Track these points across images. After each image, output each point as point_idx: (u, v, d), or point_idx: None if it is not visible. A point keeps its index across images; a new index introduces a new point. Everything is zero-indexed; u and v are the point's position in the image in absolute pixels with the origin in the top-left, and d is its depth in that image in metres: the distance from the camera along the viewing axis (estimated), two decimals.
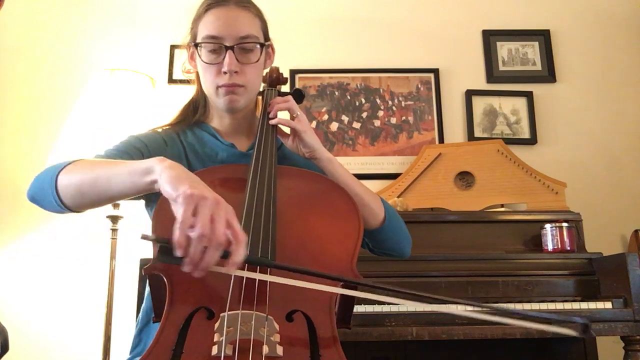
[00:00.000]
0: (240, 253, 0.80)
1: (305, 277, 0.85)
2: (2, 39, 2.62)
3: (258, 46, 1.19)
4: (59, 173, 1.01)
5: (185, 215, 0.78)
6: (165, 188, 0.84)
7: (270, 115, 1.22)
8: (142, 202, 1.28)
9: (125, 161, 1.00)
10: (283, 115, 1.23)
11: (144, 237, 0.80)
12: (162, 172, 0.87)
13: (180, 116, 1.31)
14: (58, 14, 2.69)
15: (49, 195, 1.01)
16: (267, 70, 1.34)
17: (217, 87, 1.18)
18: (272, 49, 1.30)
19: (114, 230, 2.22)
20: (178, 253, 0.77)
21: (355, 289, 0.95)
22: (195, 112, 1.30)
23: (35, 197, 1.06)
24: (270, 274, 0.87)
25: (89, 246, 2.40)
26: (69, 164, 1.03)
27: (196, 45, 1.20)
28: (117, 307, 2.15)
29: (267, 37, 1.26)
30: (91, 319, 2.31)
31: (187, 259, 0.78)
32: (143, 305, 1.20)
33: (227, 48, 1.15)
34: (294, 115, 1.20)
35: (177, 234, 0.77)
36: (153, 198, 1.22)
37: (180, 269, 0.79)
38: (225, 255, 0.80)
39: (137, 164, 0.94)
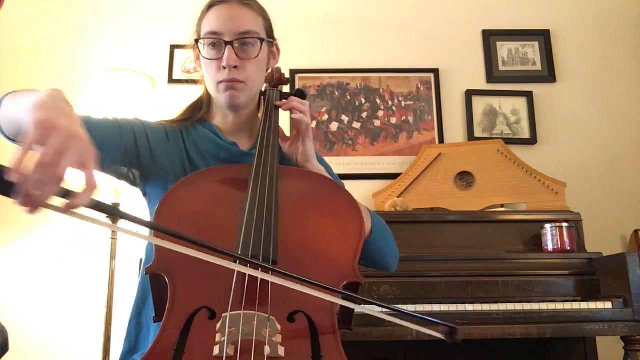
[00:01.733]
0: (82, 197, 0.71)
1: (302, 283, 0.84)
2: (2, 39, 2.62)
3: (258, 42, 1.19)
4: (2, 99, 0.99)
5: (30, 140, 0.69)
6: (28, 112, 0.74)
7: (283, 108, 1.22)
8: (143, 202, 1.28)
9: (36, 93, 0.87)
10: (285, 116, 1.23)
11: None
12: (40, 95, 0.78)
13: (185, 114, 1.31)
14: (58, 14, 2.69)
15: None
16: (269, 70, 1.34)
17: (218, 83, 1.19)
18: (277, 49, 1.30)
19: (114, 231, 2.22)
20: (12, 177, 0.67)
21: (356, 291, 0.95)
22: (200, 110, 1.30)
23: None
24: (271, 275, 0.87)
25: (89, 246, 2.39)
26: (12, 92, 0.99)
27: (197, 41, 1.20)
28: (117, 307, 2.15)
29: (271, 36, 1.26)
30: (91, 319, 2.31)
31: (20, 186, 0.67)
32: (135, 298, 1.21)
33: (226, 43, 1.16)
34: (307, 120, 1.21)
35: (15, 156, 0.68)
36: (151, 186, 1.22)
37: (13, 200, 0.69)
38: (66, 196, 0.71)
39: (39, 91, 0.83)
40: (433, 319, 0.90)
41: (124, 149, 1.16)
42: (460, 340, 0.91)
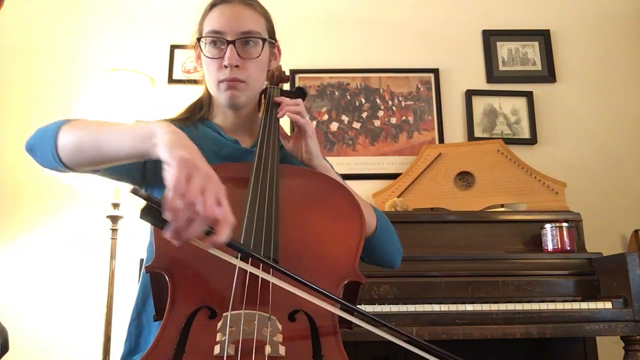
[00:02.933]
0: (224, 232, 0.78)
1: (303, 287, 0.84)
2: (2, 39, 2.62)
3: (260, 42, 1.19)
4: (62, 125, 1.01)
5: (178, 178, 0.77)
6: (163, 151, 0.83)
7: (279, 116, 1.22)
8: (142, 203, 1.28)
9: (129, 124, 0.99)
10: (285, 118, 1.23)
11: (134, 192, 0.77)
12: (163, 135, 0.86)
13: (185, 113, 1.31)
14: (58, 14, 2.69)
15: (48, 148, 1.01)
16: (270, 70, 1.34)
17: (219, 82, 1.19)
18: (279, 50, 1.30)
19: (114, 230, 2.22)
20: (167, 215, 0.75)
21: (356, 296, 0.95)
22: (200, 110, 1.30)
23: (33, 148, 1.05)
24: (272, 274, 0.86)
25: (89, 246, 2.39)
26: (74, 120, 1.02)
27: (199, 40, 1.20)
28: (117, 307, 2.15)
29: (272, 37, 1.26)
30: (91, 319, 2.31)
31: (173, 224, 0.76)
32: (135, 298, 1.20)
33: (228, 42, 1.16)
34: (304, 119, 1.20)
35: (170, 195, 0.75)
36: (153, 186, 1.22)
37: (162, 233, 0.77)
38: (208, 232, 0.78)
39: (140, 127, 0.93)
40: (421, 341, 0.91)
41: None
42: None
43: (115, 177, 1.19)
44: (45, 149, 1.02)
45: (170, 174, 0.79)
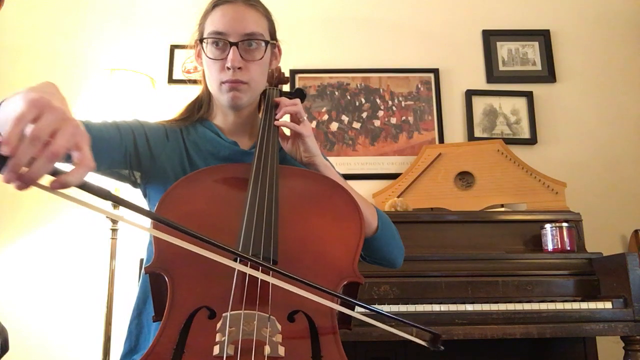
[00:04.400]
0: (76, 175, 0.68)
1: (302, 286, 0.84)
2: (2, 39, 2.62)
3: (263, 44, 1.19)
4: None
5: (22, 113, 0.66)
6: (19, 101, 0.71)
7: (277, 117, 1.22)
8: (143, 202, 1.28)
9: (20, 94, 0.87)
10: (286, 117, 1.23)
11: None
12: (26, 90, 0.76)
13: (184, 113, 1.31)
14: (58, 14, 2.69)
15: None
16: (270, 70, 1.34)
17: (221, 83, 1.18)
18: (279, 50, 1.30)
19: (114, 230, 2.22)
20: (3, 150, 0.64)
21: (356, 297, 0.95)
22: (200, 109, 1.30)
23: None
24: (272, 275, 0.86)
25: (89, 246, 2.40)
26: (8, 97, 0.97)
27: (202, 40, 1.20)
28: (117, 307, 2.15)
29: (274, 37, 1.26)
30: (91, 319, 2.31)
31: (11, 160, 0.64)
32: (136, 298, 1.21)
33: (231, 44, 1.15)
34: (301, 119, 1.20)
35: (9, 128, 0.65)
36: (150, 187, 1.22)
37: (1, 175, 0.66)
38: (56, 173, 0.68)
39: (19, 93, 0.81)
40: (418, 325, 0.92)
41: (124, 150, 1.16)
42: (440, 347, 0.94)
43: (107, 176, 1.19)
44: None
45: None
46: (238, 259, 0.84)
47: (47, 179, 0.68)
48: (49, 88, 0.79)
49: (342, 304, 0.88)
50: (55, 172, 0.67)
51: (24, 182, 0.66)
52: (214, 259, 0.78)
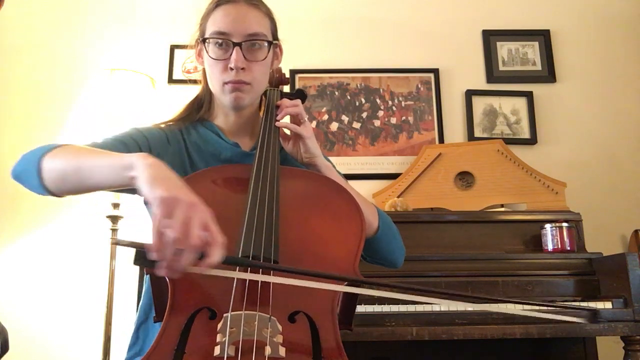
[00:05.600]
0: (215, 255, 0.79)
1: (306, 277, 0.85)
2: (2, 39, 2.62)
3: (266, 44, 1.19)
4: (44, 155, 1.01)
5: (158, 218, 0.78)
6: (143, 189, 0.84)
7: (278, 118, 1.22)
8: (142, 200, 1.28)
9: (110, 152, 0.99)
10: (286, 118, 1.23)
11: (117, 243, 0.80)
12: (143, 170, 0.86)
13: (183, 113, 1.30)
14: (58, 14, 2.69)
15: (33, 176, 1.01)
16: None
17: (224, 84, 1.18)
18: (281, 50, 1.30)
19: (114, 230, 2.22)
20: (152, 257, 0.77)
21: (356, 297, 0.95)
22: (200, 109, 1.30)
23: (20, 176, 1.05)
24: (272, 275, 0.86)
25: (89, 246, 2.39)
26: (57, 147, 1.02)
27: (204, 40, 1.19)
28: (117, 307, 2.15)
29: (275, 37, 1.26)
30: (91, 319, 2.31)
31: (162, 262, 0.77)
32: (140, 302, 1.20)
33: (234, 44, 1.15)
34: (302, 120, 1.20)
35: (152, 239, 0.77)
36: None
37: (156, 272, 0.79)
38: (202, 257, 0.79)
39: (119, 157, 0.93)
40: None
41: None
42: None
43: (126, 192, 1.20)
44: (31, 178, 1.02)
45: (153, 214, 0.80)
46: (237, 268, 0.84)
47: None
48: (159, 168, 0.89)
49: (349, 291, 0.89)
50: (200, 255, 0.79)
51: (177, 272, 0.79)
52: (213, 274, 0.81)
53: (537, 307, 0.88)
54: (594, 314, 0.90)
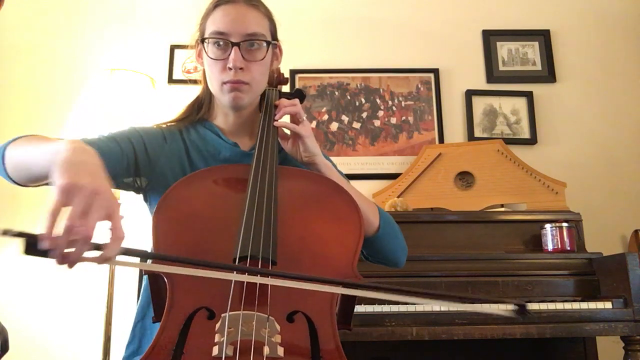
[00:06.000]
0: (112, 248, 0.76)
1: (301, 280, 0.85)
2: (2, 39, 2.62)
3: (264, 44, 1.19)
4: (8, 144, 1.04)
5: (52, 206, 0.74)
6: (53, 173, 0.79)
7: (277, 118, 1.22)
8: (142, 200, 1.28)
9: (55, 140, 0.96)
10: (285, 118, 1.23)
11: (4, 233, 0.75)
12: (63, 153, 0.82)
13: (184, 113, 1.31)
14: (58, 14, 2.69)
15: (1, 165, 1.03)
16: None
17: (222, 84, 1.18)
18: (280, 50, 1.30)
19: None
20: (44, 245, 0.73)
21: (355, 297, 0.95)
22: (200, 110, 1.30)
23: None
24: (270, 276, 0.86)
25: None
26: (21, 137, 1.05)
27: (203, 41, 1.20)
28: (117, 307, 2.15)
29: (275, 38, 1.26)
30: (91, 319, 2.31)
31: (53, 252, 0.73)
32: (138, 301, 1.20)
33: (233, 44, 1.15)
34: (300, 120, 1.20)
35: (43, 227, 0.73)
36: (150, 193, 1.22)
37: (51, 261, 0.74)
38: (98, 248, 0.76)
39: (55, 143, 0.90)
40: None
41: (126, 162, 1.16)
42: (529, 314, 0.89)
43: (122, 188, 1.21)
44: (0, 167, 1.04)
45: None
46: (235, 271, 0.84)
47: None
48: (73, 150, 0.84)
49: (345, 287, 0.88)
50: (96, 247, 0.76)
51: (71, 262, 0.75)
52: (211, 277, 0.80)
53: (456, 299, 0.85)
54: (522, 309, 0.87)
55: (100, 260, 0.76)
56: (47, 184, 1.03)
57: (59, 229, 0.73)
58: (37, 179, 1.01)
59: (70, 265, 0.75)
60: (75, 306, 2.36)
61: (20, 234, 0.75)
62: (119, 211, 0.79)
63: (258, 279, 0.83)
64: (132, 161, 1.18)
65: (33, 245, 0.74)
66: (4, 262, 2.39)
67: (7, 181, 1.06)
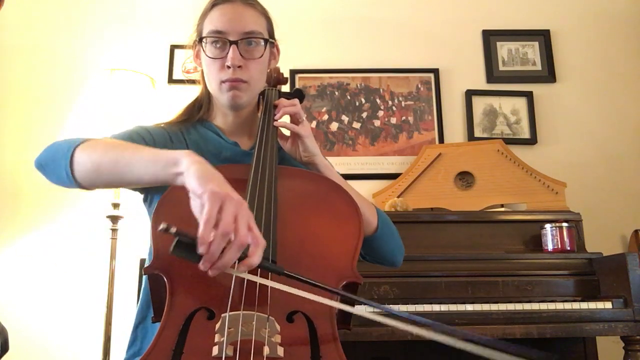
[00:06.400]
0: (257, 256, 0.81)
1: (307, 284, 0.85)
2: (2, 39, 2.62)
3: (262, 42, 1.20)
4: (77, 146, 1.00)
5: (210, 212, 0.78)
6: (192, 182, 0.83)
7: (276, 117, 1.22)
8: (142, 199, 1.28)
9: (150, 148, 0.99)
10: (285, 117, 1.23)
11: (164, 230, 0.77)
12: (189, 165, 0.86)
13: (184, 114, 1.31)
14: (58, 14, 2.69)
15: (61, 167, 1.00)
16: (269, 70, 1.34)
17: (221, 82, 1.18)
18: (277, 50, 1.30)
19: (114, 230, 2.22)
20: (200, 250, 0.77)
21: (355, 292, 0.95)
22: (199, 110, 1.30)
23: (44, 165, 1.05)
24: (269, 277, 0.86)
25: (89, 246, 2.40)
26: (90, 139, 1.02)
27: (201, 40, 1.20)
28: (117, 307, 2.15)
29: (272, 37, 1.26)
30: (91, 319, 2.31)
31: (206, 256, 0.77)
32: (139, 302, 1.20)
33: (231, 43, 1.16)
34: (300, 120, 1.20)
35: (202, 230, 0.77)
36: (153, 192, 1.22)
37: (198, 266, 0.78)
38: (241, 257, 0.80)
39: (162, 153, 0.93)
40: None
41: None
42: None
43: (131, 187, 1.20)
44: (58, 168, 1.01)
45: (198, 206, 0.81)
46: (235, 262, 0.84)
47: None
48: (206, 165, 0.89)
49: (342, 302, 0.88)
50: (242, 255, 0.80)
51: (218, 269, 0.79)
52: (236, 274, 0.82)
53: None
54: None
55: (244, 269, 0.80)
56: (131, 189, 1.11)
57: (214, 235, 0.77)
58: (122, 185, 1.05)
59: (216, 272, 0.79)
60: (75, 306, 2.36)
61: (179, 234, 0.78)
62: (254, 221, 0.83)
63: (259, 279, 0.83)
64: None
65: (188, 247, 0.78)
66: (4, 262, 2.39)
67: (59, 183, 1.03)
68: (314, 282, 0.84)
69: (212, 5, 1.21)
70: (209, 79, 1.22)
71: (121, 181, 1.00)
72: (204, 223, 0.77)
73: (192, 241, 0.77)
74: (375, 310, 0.90)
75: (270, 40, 1.23)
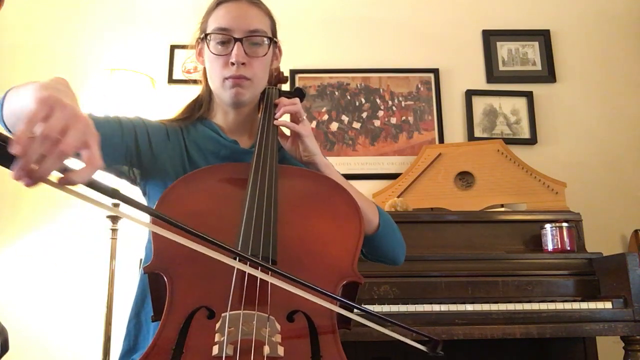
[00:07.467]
0: (83, 174, 0.69)
1: (304, 279, 0.84)
2: (2, 39, 2.62)
3: (266, 41, 1.20)
4: (5, 96, 1.01)
5: (34, 113, 0.67)
6: (30, 97, 0.74)
7: (277, 116, 1.22)
8: (142, 201, 1.28)
9: (33, 83, 0.90)
10: (285, 116, 1.23)
11: None
12: (40, 84, 0.78)
13: (184, 113, 1.31)
14: (58, 14, 2.69)
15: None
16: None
17: (224, 79, 1.19)
18: (280, 50, 1.31)
19: (114, 230, 2.22)
20: (14, 149, 0.65)
21: (355, 296, 0.95)
22: (200, 109, 1.31)
23: None
24: (271, 275, 0.86)
25: (89, 246, 2.40)
26: (15, 87, 1.01)
27: (205, 38, 1.20)
28: (117, 307, 2.15)
29: (275, 36, 1.27)
30: (91, 319, 2.31)
31: (21, 159, 0.65)
32: (134, 298, 1.21)
33: (236, 40, 1.16)
34: (300, 119, 1.20)
35: (20, 129, 0.66)
36: (148, 191, 1.22)
37: (11, 172, 0.67)
38: (64, 171, 0.69)
39: (35, 84, 0.83)
40: (419, 331, 0.96)
41: (125, 147, 1.17)
42: (440, 353, 0.94)
43: (114, 173, 1.20)
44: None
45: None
46: (237, 258, 0.83)
47: (54, 175, 0.69)
48: (59, 85, 0.81)
49: (340, 306, 0.88)
50: (63, 169, 0.69)
51: (33, 179, 0.67)
52: (213, 257, 0.78)
53: None
54: (434, 345, 0.92)
55: (62, 183, 0.69)
56: None
57: (34, 137, 0.66)
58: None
59: (31, 183, 0.68)
60: (75, 306, 2.36)
61: None
62: (97, 142, 0.72)
63: (259, 273, 0.82)
64: (132, 149, 1.18)
65: (2, 147, 0.66)
66: (4, 262, 2.39)
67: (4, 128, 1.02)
68: (311, 286, 0.84)
69: (217, 4, 1.22)
70: (212, 76, 1.22)
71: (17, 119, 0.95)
72: (24, 123, 0.66)
73: (5, 142, 0.66)
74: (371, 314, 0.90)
75: (274, 39, 1.24)
